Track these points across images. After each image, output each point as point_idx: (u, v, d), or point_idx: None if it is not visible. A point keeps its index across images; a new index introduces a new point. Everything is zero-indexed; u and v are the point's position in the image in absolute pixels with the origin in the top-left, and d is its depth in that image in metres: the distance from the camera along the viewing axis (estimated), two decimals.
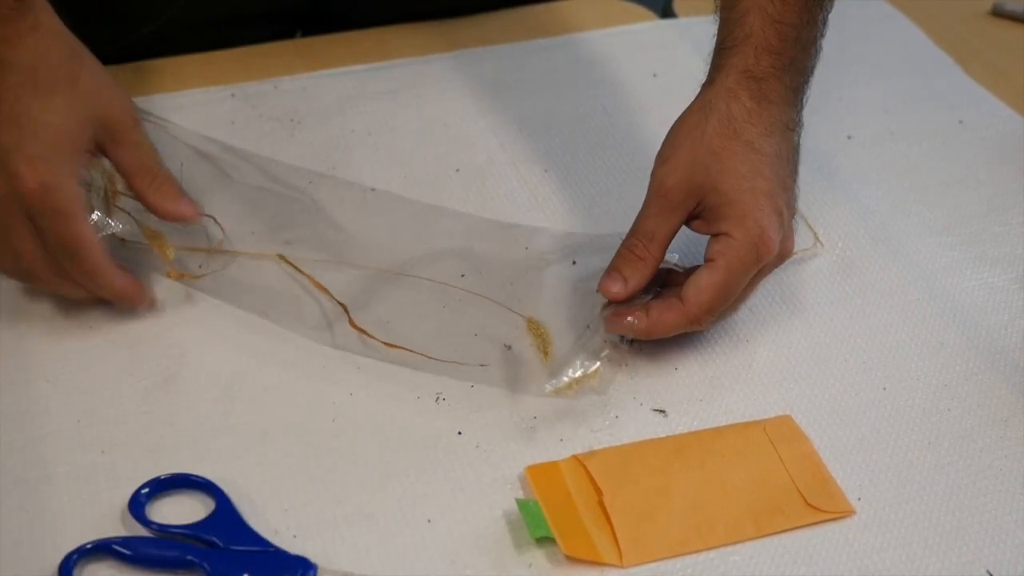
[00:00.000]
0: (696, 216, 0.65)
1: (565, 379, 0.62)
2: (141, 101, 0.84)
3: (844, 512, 0.59)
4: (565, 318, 0.68)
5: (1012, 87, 0.91)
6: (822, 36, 0.68)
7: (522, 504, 0.57)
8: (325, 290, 0.68)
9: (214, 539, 0.55)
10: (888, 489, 0.60)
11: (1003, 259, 0.76)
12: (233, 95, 0.86)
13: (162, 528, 0.56)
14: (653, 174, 0.66)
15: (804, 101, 0.68)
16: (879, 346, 0.69)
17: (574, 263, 0.72)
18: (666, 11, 1.02)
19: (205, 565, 0.54)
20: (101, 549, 0.54)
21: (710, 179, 0.64)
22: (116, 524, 0.56)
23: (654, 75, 0.91)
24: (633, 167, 0.81)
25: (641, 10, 1.00)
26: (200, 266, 0.69)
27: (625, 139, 0.84)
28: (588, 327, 0.65)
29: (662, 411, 0.63)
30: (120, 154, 0.65)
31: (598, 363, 0.63)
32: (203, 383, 0.64)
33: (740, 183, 0.63)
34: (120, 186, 0.68)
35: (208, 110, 0.84)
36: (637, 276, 0.64)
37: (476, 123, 0.85)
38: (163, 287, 0.69)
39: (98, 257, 0.63)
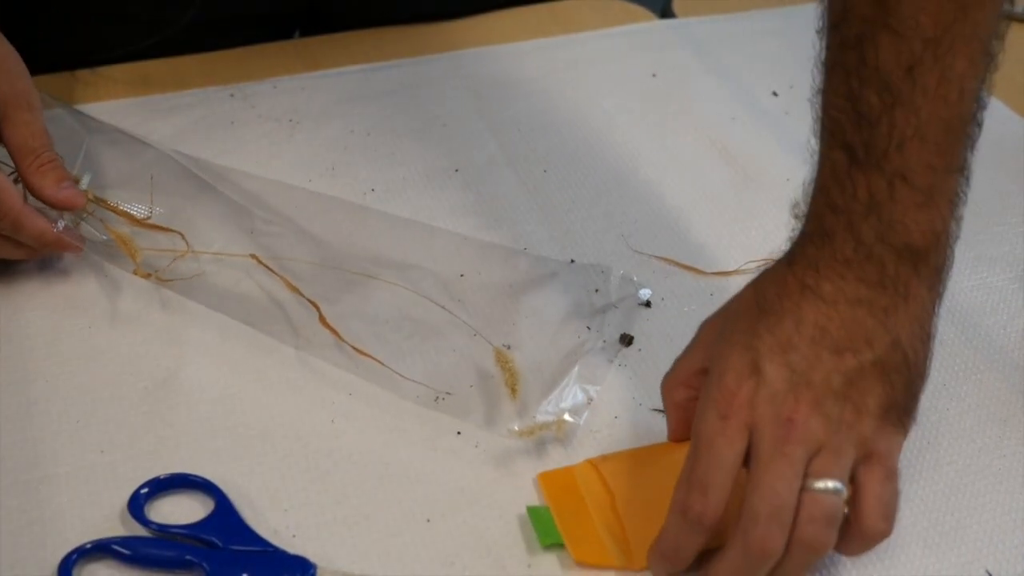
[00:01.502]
0: None
1: (529, 423, 0.61)
2: (140, 102, 0.84)
3: None
4: (539, 351, 0.66)
5: (1012, 87, 0.91)
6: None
7: (532, 511, 0.57)
8: (297, 290, 0.68)
9: (213, 539, 0.55)
10: None
11: (1002, 259, 0.76)
12: (232, 95, 0.86)
13: (161, 528, 0.56)
14: None
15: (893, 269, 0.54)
16: None
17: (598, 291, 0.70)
18: (665, 11, 1.02)
19: (204, 565, 0.54)
20: (100, 549, 0.54)
21: (712, 355, 0.55)
22: (115, 524, 0.56)
23: (653, 75, 0.91)
24: (633, 167, 0.81)
25: (641, 10, 1.00)
26: (167, 267, 0.69)
27: (625, 139, 0.84)
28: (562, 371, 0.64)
29: (662, 411, 0.63)
30: (7, 132, 0.66)
31: (566, 414, 0.61)
32: (202, 383, 0.64)
33: (729, 350, 0.53)
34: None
35: (208, 110, 0.84)
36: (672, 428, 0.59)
37: (476, 123, 0.85)
38: (161, 288, 0.69)
39: (17, 202, 0.64)
